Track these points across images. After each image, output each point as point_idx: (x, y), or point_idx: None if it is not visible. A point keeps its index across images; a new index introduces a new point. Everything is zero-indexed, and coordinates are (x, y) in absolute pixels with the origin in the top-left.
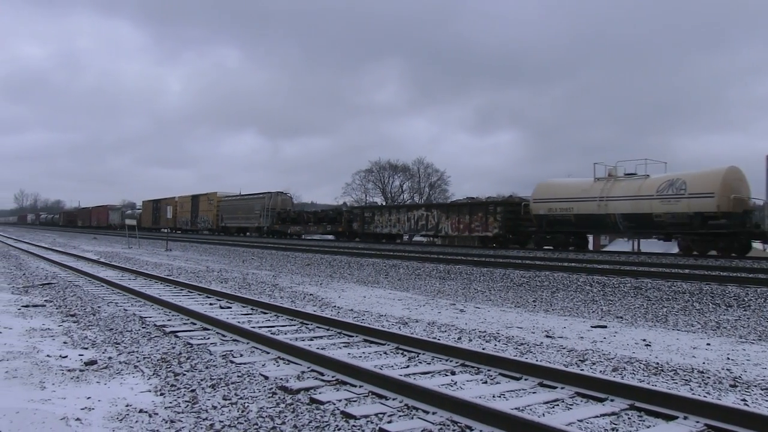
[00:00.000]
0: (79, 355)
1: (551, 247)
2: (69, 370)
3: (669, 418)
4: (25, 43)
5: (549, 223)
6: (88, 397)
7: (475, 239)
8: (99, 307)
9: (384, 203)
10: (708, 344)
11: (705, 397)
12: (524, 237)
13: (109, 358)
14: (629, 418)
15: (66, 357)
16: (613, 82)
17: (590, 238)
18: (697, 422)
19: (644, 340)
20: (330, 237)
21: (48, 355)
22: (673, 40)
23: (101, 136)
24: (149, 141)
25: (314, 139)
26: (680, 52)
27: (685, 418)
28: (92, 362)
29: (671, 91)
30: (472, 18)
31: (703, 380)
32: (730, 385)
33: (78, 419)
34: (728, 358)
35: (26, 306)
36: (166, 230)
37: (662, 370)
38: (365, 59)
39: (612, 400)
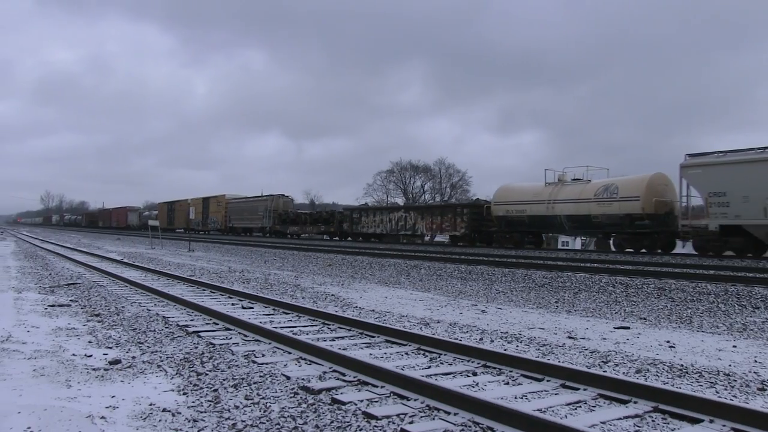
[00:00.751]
0: (104, 354)
1: (511, 245)
2: (94, 369)
3: (694, 421)
4: (57, 48)
5: (507, 223)
6: (113, 396)
7: (444, 236)
8: (123, 307)
9: (403, 204)
10: (734, 346)
11: (731, 400)
12: (488, 236)
13: (133, 357)
14: (653, 421)
15: (91, 356)
16: (636, 82)
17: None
18: (724, 426)
19: (668, 341)
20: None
21: (73, 354)
22: (697, 39)
23: (127, 138)
24: (174, 142)
25: (337, 140)
26: (704, 51)
27: (711, 421)
28: (116, 361)
29: (695, 89)
30: (495, 19)
31: (729, 383)
32: (758, 389)
33: (103, 417)
34: (755, 361)
35: (52, 305)
36: (181, 230)
37: (687, 373)
38: (389, 61)
39: (635, 402)
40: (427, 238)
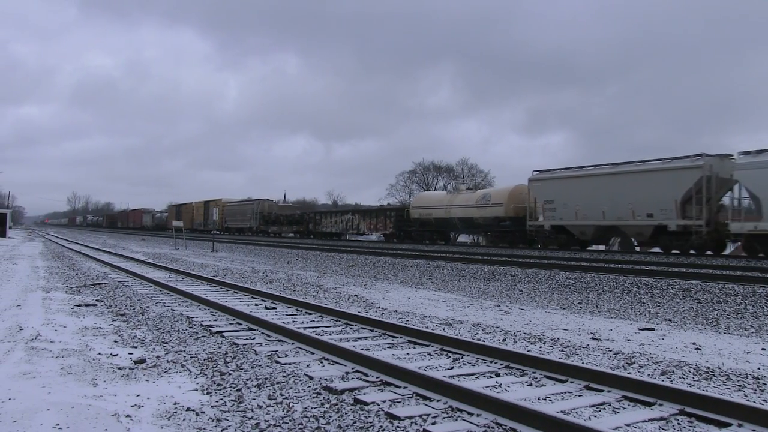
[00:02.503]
0: (129, 353)
1: (427, 241)
2: (119, 368)
3: (722, 425)
4: (96, 54)
5: (421, 224)
6: (138, 395)
7: (379, 236)
8: (147, 306)
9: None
10: (763, 349)
11: (761, 404)
12: (408, 234)
13: (158, 357)
14: (679, 424)
15: (116, 355)
16: (666, 82)
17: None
18: (753, 431)
19: (694, 343)
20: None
21: (99, 353)
22: (726, 38)
23: (157, 140)
24: (203, 145)
25: (366, 141)
26: (734, 50)
27: (740, 425)
28: (141, 361)
29: (724, 89)
30: (525, 21)
31: (758, 386)
32: None
33: (128, 416)
34: None
35: (79, 305)
36: (187, 230)
37: (713, 375)
38: (420, 64)
39: (661, 405)
40: (368, 236)
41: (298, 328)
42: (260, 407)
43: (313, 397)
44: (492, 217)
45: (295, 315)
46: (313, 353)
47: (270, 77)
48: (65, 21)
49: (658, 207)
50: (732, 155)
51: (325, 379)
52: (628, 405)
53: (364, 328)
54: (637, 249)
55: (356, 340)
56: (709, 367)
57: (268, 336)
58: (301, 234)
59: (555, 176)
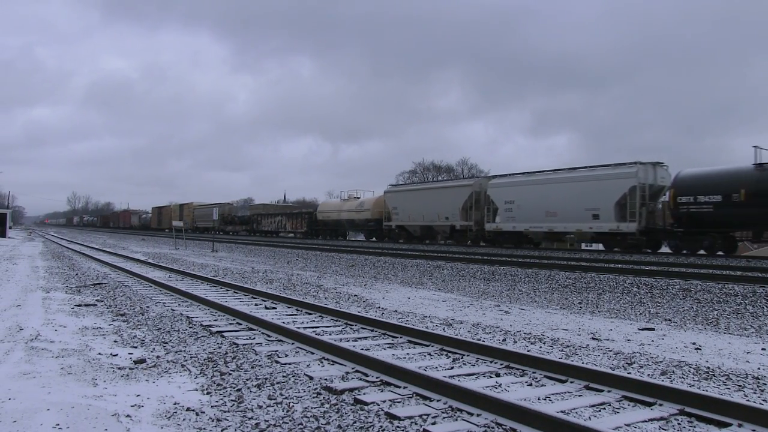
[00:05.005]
0: (129, 353)
1: (329, 237)
2: (119, 368)
3: (722, 425)
4: (115, 57)
5: (324, 224)
6: (138, 395)
7: (297, 234)
8: (147, 306)
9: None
10: (763, 349)
11: (761, 404)
12: (317, 232)
13: (158, 357)
14: (679, 424)
15: (116, 355)
16: (670, 85)
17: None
18: (753, 431)
19: (694, 343)
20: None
21: (99, 353)
22: (730, 41)
23: (165, 141)
24: (212, 146)
25: (373, 142)
26: (738, 53)
27: (740, 425)
28: (141, 361)
29: (729, 91)
30: (532, 24)
31: (758, 386)
32: None
33: (128, 416)
34: None
35: (79, 305)
36: (167, 230)
37: (713, 375)
38: (430, 66)
39: (661, 405)
40: (290, 235)
41: (298, 328)
42: (260, 407)
43: (313, 397)
44: (364, 219)
45: (295, 315)
46: (313, 353)
47: (283, 80)
48: (88, 25)
49: (445, 213)
50: (663, 163)
51: (325, 379)
52: (628, 405)
53: (364, 328)
54: (426, 241)
55: (356, 340)
56: (709, 367)
57: (268, 336)
58: (248, 232)
59: (398, 190)
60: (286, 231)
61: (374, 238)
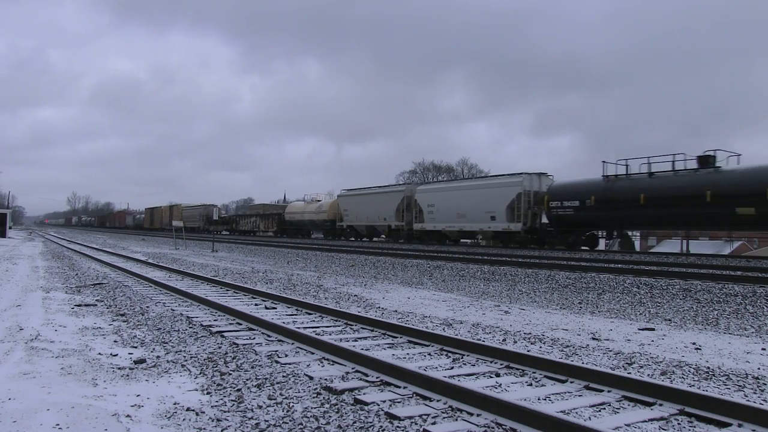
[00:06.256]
0: (129, 353)
1: (299, 236)
2: (119, 368)
3: (722, 425)
4: (121, 58)
5: (291, 224)
6: (138, 395)
7: (269, 232)
8: (147, 306)
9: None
10: (763, 349)
11: (761, 404)
12: (286, 231)
13: (158, 357)
14: (679, 424)
15: (116, 355)
16: (672, 86)
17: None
18: (753, 431)
19: (694, 343)
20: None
21: (99, 353)
22: (732, 42)
23: (169, 142)
24: (215, 146)
25: (377, 143)
26: (740, 54)
27: (740, 425)
28: (141, 361)
29: (731, 94)
30: (537, 26)
31: (758, 386)
32: None
33: (128, 416)
34: None
35: (79, 305)
36: (159, 229)
37: (713, 375)
38: (436, 67)
39: (661, 405)
40: (266, 232)
41: (298, 328)
42: (260, 407)
43: (313, 397)
44: (322, 219)
45: (295, 315)
46: (313, 353)
47: (290, 81)
48: (98, 27)
49: (384, 215)
50: (548, 174)
51: (325, 379)
52: (628, 405)
53: (364, 328)
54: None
55: (356, 340)
56: (709, 367)
57: (268, 336)
58: (229, 231)
59: (348, 194)
60: (260, 230)
61: (331, 237)
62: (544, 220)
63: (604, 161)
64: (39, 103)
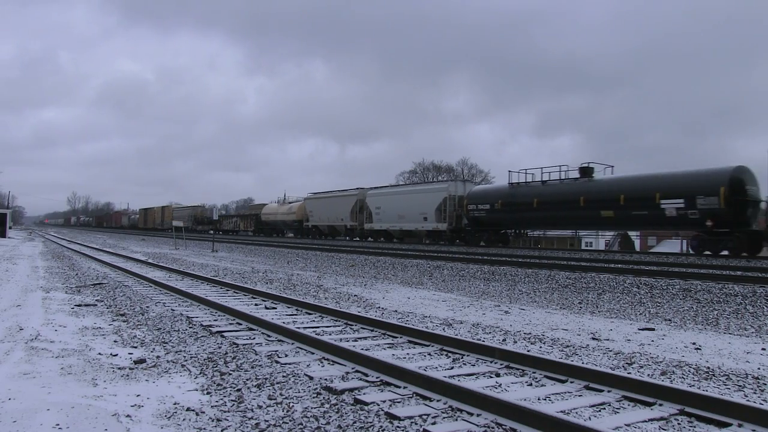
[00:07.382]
0: (129, 353)
1: (275, 235)
2: (119, 368)
3: (722, 425)
4: (128, 59)
5: (266, 224)
6: (138, 395)
7: (248, 232)
8: (147, 306)
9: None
10: (763, 349)
11: (761, 404)
12: (262, 231)
13: (158, 357)
14: (679, 424)
15: (116, 355)
16: (674, 87)
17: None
18: (753, 431)
19: (694, 343)
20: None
21: (99, 353)
22: (734, 44)
23: (173, 143)
24: (218, 146)
25: (381, 144)
26: (742, 56)
27: (740, 425)
28: (141, 361)
29: (733, 95)
30: (540, 28)
31: (758, 386)
32: None
33: (128, 416)
34: None
35: (79, 305)
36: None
37: (713, 375)
38: (441, 69)
39: (661, 405)
40: (246, 232)
41: (298, 328)
42: (260, 407)
43: (313, 397)
44: (292, 220)
45: (295, 315)
46: (313, 353)
47: (296, 83)
48: (106, 29)
49: (341, 216)
50: (472, 180)
51: (325, 379)
52: (628, 405)
53: (364, 328)
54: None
55: (356, 340)
56: (709, 367)
57: (268, 336)
58: (214, 231)
59: (312, 197)
60: (240, 230)
61: (299, 236)
62: (466, 221)
63: (509, 170)
64: (44, 104)
